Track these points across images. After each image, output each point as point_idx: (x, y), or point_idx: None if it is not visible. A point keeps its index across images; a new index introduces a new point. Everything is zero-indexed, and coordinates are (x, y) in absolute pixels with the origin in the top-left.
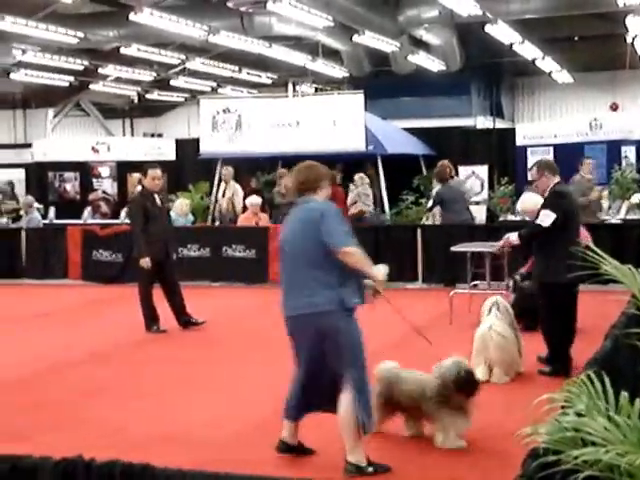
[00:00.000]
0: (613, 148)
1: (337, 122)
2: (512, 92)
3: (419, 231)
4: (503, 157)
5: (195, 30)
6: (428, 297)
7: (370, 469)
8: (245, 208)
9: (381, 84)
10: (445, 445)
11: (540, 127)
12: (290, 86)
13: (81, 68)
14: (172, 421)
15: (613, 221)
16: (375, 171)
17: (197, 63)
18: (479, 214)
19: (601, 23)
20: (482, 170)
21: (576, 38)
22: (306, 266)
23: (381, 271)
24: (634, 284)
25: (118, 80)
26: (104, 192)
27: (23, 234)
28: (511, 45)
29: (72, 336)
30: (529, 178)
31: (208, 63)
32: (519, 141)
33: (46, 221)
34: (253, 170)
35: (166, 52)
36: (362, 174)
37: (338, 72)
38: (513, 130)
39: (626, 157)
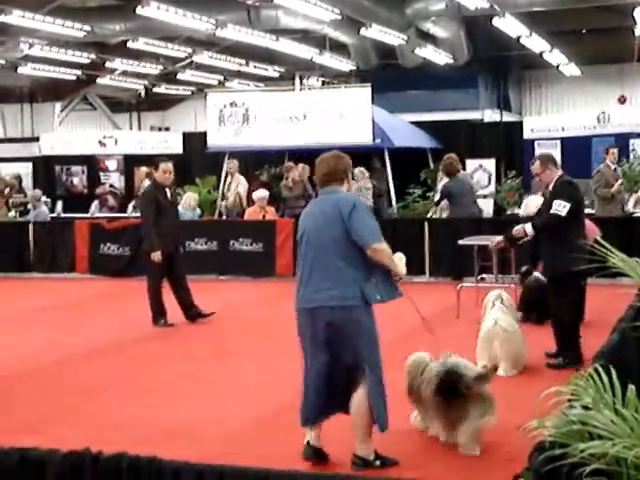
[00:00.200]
0: (621, 141)
1: (344, 115)
2: (519, 85)
3: (426, 224)
4: (510, 150)
5: (202, 23)
6: (435, 291)
7: (377, 462)
8: (250, 201)
9: (388, 77)
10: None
11: (548, 120)
12: (297, 79)
13: (88, 62)
14: (178, 415)
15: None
16: (382, 164)
17: (204, 56)
18: (486, 207)
19: (609, 15)
20: (489, 163)
21: (584, 31)
22: (331, 258)
23: (402, 259)
24: None
25: (125, 74)
26: (111, 186)
27: (31, 228)
28: (518, 38)
29: (79, 330)
30: (532, 172)
31: (215, 56)
32: (526, 134)
33: (54, 215)
34: (260, 164)
35: (173, 45)
36: (362, 168)
37: (345, 65)
38: (520, 123)
39: (634, 150)
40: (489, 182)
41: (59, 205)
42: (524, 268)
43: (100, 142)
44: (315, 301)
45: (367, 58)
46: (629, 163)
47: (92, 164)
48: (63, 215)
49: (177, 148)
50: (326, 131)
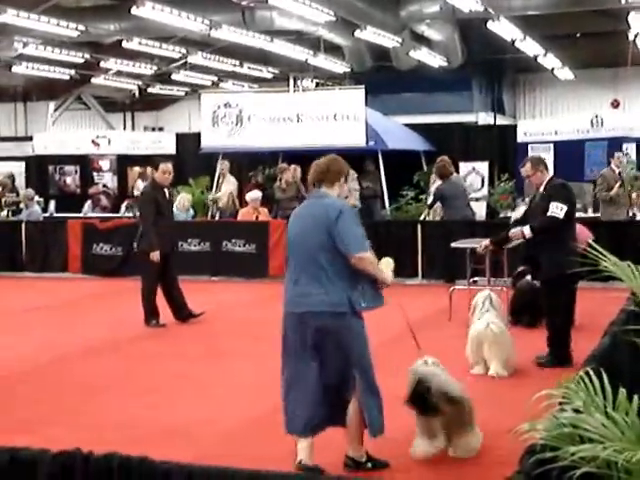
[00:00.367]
0: (614, 145)
1: (338, 117)
2: (513, 88)
3: (419, 227)
4: (504, 153)
5: (196, 24)
6: (428, 293)
7: (369, 464)
8: (243, 202)
9: (382, 79)
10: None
11: (541, 124)
12: (291, 81)
13: (82, 61)
14: (173, 415)
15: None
16: (376, 166)
17: (198, 57)
18: (479, 210)
19: (603, 20)
20: (483, 166)
21: (578, 35)
22: (318, 263)
23: (390, 265)
24: (633, 281)
25: (119, 74)
26: (104, 186)
27: (23, 227)
28: (513, 41)
29: (71, 330)
30: (522, 174)
31: (209, 57)
32: (520, 138)
33: (46, 214)
34: (254, 165)
35: (167, 46)
36: (350, 169)
37: (339, 67)
38: (514, 127)
39: (627, 154)
40: (482, 185)
41: (52, 205)
42: (520, 268)
43: (93, 142)
44: (304, 305)
45: (361, 60)
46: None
47: (85, 164)
48: (56, 215)
49: (170, 148)
50: (320, 133)
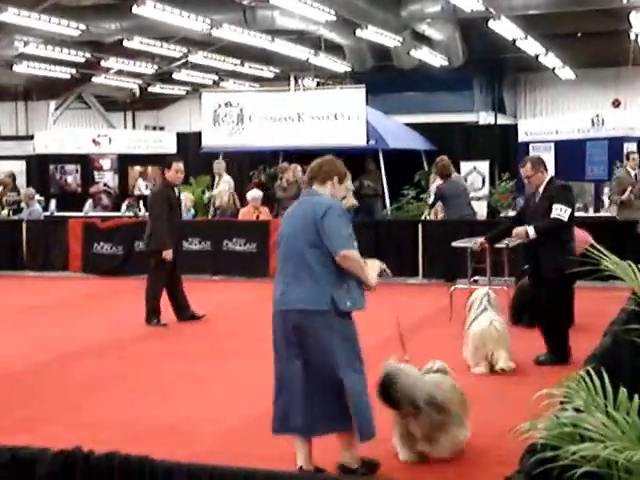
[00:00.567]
0: (615, 145)
1: (339, 116)
2: (514, 88)
3: (420, 226)
4: (505, 153)
5: (197, 23)
6: (428, 292)
7: (362, 470)
8: (242, 201)
9: (383, 79)
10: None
11: (542, 123)
12: (292, 80)
13: (83, 60)
14: (171, 414)
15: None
16: (376, 166)
17: (199, 56)
18: (480, 210)
19: (605, 19)
20: (483, 166)
21: (579, 34)
22: (304, 261)
23: (376, 267)
24: (634, 281)
25: (120, 73)
26: (105, 185)
27: (24, 226)
28: (514, 41)
29: (72, 329)
30: (522, 174)
31: (210, 56)
32: (521, 137)
33: (47, 213)
34: (255, 164)
35: (168, 45)
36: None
37: (340, 67)
38: (515, 126)
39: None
40: (483, 184)
41: (53, 204)
42: (526, 267)
43: (94, 141)
44: (286, 304)
45: (362, 59)
46: (623, 167)
47: (86, 163)
48: (56, 214)
49: (171, 148)
50: (321, 132)
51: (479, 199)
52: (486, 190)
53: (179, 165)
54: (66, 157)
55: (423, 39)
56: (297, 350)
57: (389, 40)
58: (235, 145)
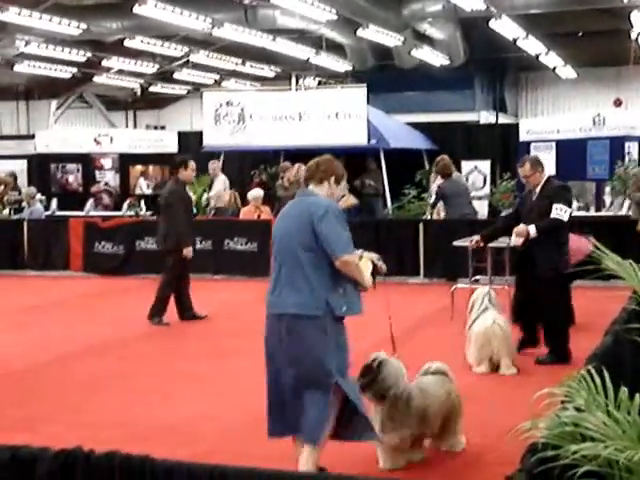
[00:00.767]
0: (616, 144)
1: (340, 116)
2: (516, 87)
3: (421, 225)
4: (506, 152)
5: (199, 23)
6: (429, 292)
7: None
8: (244, 200)
9: (384, 78)
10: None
11: (543, 122)
12: (293, 79)
13: (84, 60)
14: (172, 413)
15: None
16: (377, 165)
17: (200, 56)
18: (481, 209)
19: (606, 18)
20: (484, 165)
21: (580, 33)
22: (299, 263)
23: (369, 267)
24: (635, 280)
25: (121, 72)
26: (106, 184)
27: (25, 225)
28: (515, 40)
29: (73, 328)
30: (520, 174)
31: (211, 56)
32: (522, 136)
33: (48, 212)
34: (256, 163)
35: (169, 44)
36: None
37: (341, 66)
38: (516, 125)
39: (629, 153)
40: (484, 184)
41: (54, 203)
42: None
43: (95, 140)
44: (280, 307)
45: (363, 59)
46: (624, 166)
47: (87, 162)
48: (58, 213)
49: (172, 147)
50: (322, 131)
51: (480, 198)
52: (487, 189)
53: (193, 164)
54: (67, 156)
55: (424, 38)
56: (288, 355)
57: (390, 39)
58: (236, 144)
